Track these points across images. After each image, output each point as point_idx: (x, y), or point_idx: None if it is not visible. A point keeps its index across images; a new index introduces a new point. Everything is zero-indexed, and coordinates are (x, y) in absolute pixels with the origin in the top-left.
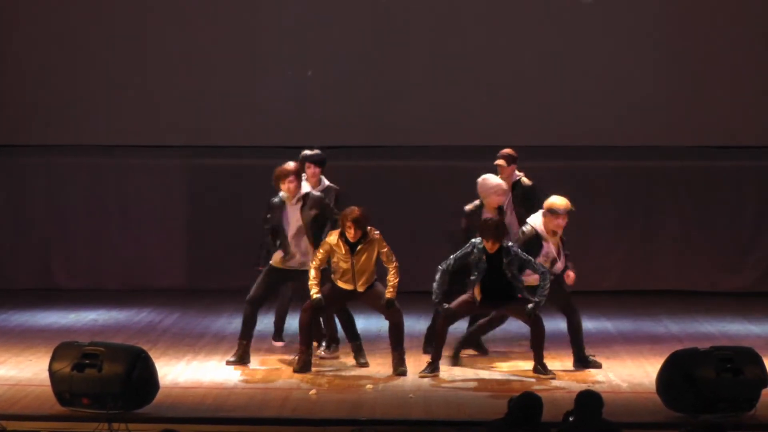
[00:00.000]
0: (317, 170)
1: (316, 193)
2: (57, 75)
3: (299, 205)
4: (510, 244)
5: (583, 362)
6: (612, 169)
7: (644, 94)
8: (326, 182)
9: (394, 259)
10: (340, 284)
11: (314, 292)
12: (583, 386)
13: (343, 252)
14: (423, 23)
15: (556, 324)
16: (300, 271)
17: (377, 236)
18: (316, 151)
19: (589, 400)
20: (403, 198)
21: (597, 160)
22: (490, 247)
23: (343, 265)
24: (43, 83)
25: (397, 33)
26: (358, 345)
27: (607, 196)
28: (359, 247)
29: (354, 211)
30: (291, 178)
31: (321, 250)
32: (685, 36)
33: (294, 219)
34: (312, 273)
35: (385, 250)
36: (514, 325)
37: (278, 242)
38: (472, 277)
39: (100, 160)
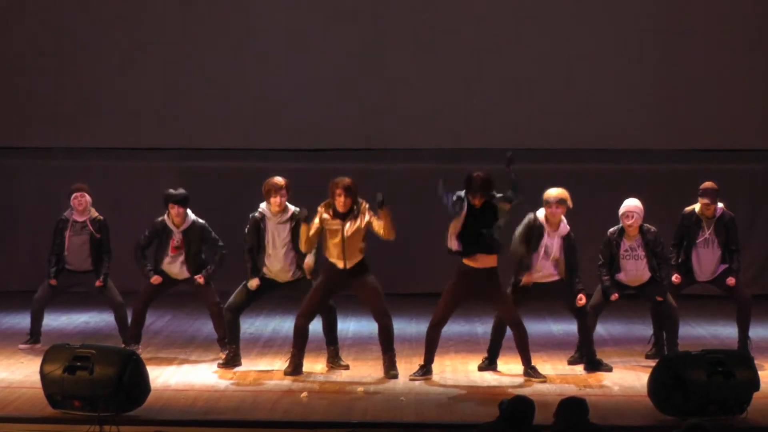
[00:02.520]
0: (182, 210)
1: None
2: (50, 79)
3: (287, 221)
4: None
5: (595, 365)
6: (600, 172)
7: (632, 98)
8: (191, 217)
9: None
10: (331, 261)
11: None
12: (575, 389)
13: (332, 218)
14: (422, 31)
15: (547, 327)
16: (289, 282)
17: (365, 206)
18: (180, 191)
19: (572, 407)
20: (398, 201)
21: (587, 163)
22: (477, 202)
23: (334, 239)
24: (36, 87)
25: (392, 38)
26: (334, 349)
27: (597, 199)
28: (350, 215)
29: (344, 179)
30: (283, 192)
31: (315, 219)
32: (675, 42)
33: (280, 234)
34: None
35: (374, 218)
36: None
37: (256, 264)
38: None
39: (91, 163)
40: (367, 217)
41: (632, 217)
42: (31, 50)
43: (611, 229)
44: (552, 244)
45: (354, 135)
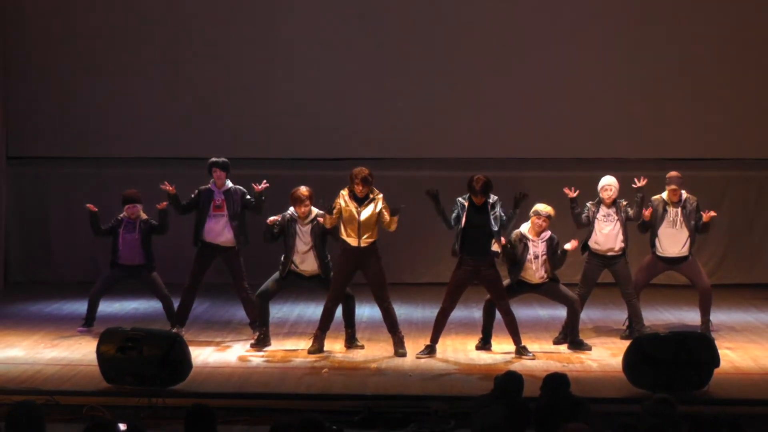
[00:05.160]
0: (222, 174)
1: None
2: (103, 96)
3: (310, 222)
4: (496, 198)
5: (577, 345)
6: (588, 179)
7: (620, 110)
8: (230, 184)
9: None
10: (346, 239)
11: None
12: (560, 365)
13: (351, 201)
14: (426, 51)
15: (534, 312)
16: (312, 276)
17: (379, 196)
18: (223, 159)
19: (554, 381)
20: (408, 204)
21: (575, 171)
22: (478, 200)
23: (350, 220)
24: (91, 103)
25: (402, 59)
26: (351, 332)
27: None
28: (366, 201)
29: (363, 171)
30: (307, 202)
31: (336, 201)
32: (651, 60)
33: (304, 237)
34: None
35: (385, 205)
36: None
37: (288, 257)
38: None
39: (138, 171)
40: (380, 206)
41: (609, 190)
42: (88, 71)
43: (590, 202)
44: (538, 249)
45: (369, 145)
